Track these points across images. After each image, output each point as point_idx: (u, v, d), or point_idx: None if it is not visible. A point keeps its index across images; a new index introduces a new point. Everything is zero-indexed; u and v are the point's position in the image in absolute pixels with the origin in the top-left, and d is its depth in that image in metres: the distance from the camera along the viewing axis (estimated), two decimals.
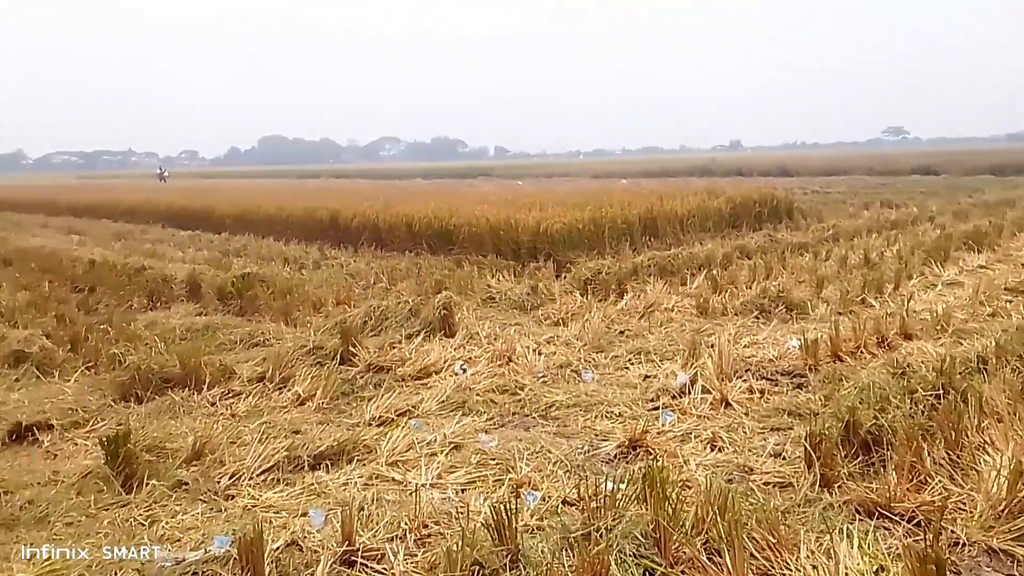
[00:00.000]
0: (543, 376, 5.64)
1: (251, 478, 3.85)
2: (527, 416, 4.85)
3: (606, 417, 4.74)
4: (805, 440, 3.69)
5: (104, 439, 3.89)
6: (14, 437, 4.60)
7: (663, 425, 4.51)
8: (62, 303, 8.37)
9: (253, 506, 3.54)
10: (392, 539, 3.13)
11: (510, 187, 26.51)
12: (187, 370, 5.40)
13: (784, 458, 3.94)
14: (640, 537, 2.92)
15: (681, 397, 4.98)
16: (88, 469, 3.95)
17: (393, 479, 3.80)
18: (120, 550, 3.07)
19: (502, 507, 2.94)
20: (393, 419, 4.76)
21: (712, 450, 4.13)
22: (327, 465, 4.01)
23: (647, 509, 3.05)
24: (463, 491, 3.67)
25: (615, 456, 4.10)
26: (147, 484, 3.70)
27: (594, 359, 6.04)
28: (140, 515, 3.47)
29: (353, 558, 2.96)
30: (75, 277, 10.26)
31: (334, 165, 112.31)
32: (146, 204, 20.72)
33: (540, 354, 6.15)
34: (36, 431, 4.66)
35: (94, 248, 12.99)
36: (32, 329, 6.52)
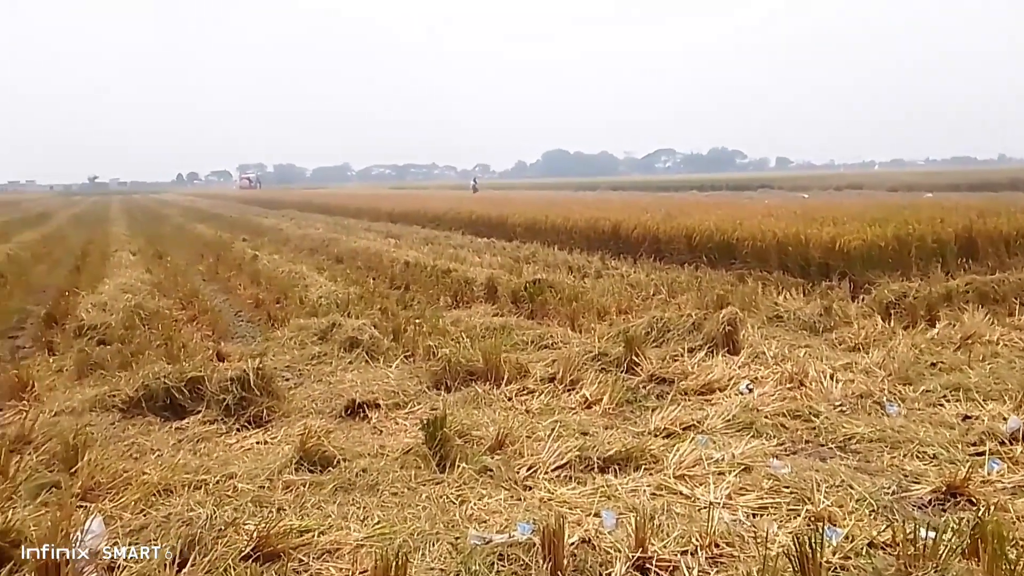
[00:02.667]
0: (840, 404, 5.26)
1: (546, 472, 4.10)
2: (823, 446, 4.57)
3: (917, 457, 4.29)
4: None
5: (425, 421, 4.41)
6: (349, 412, 5.37)
7: (989, 474, 3.98)
8: (384, 298, 9.61)
9: (549, 499, 3.77)
10: (684, 553, 3.15)
11: (794, 200, 25.02)
12: (488, 365, 5.89)
13: None
14: None
15: (1012, 444, 4.35)
16: (409, 447, 4.49)
17: (681, 493, 3.81)
18: (437, 524, 3.47)
19: (806, 539, 2.81)
20: (678, 432, 4.76)
21: None
22: (615, 469, 4.14)
23: (977, 566, 2.72)
24: (755, 516, 3.57)
25: (930, 502, 3.71)
26: (458, 466, 4.11)
27: (900, 392, 5.49)
28: (452, 494, 3.87)
29: (647, 565, 3.03)
30: (393, 276, 11.70)
31: (611, 177, 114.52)
32: (450, 213, 22.88)
33: (835, 380, 5.74)
34: (366, 408, 5.39)
35: (408, 251, 14.66)
36: (363, 319, 7.55)
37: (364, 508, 3.71)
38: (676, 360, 6.31)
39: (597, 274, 11.48)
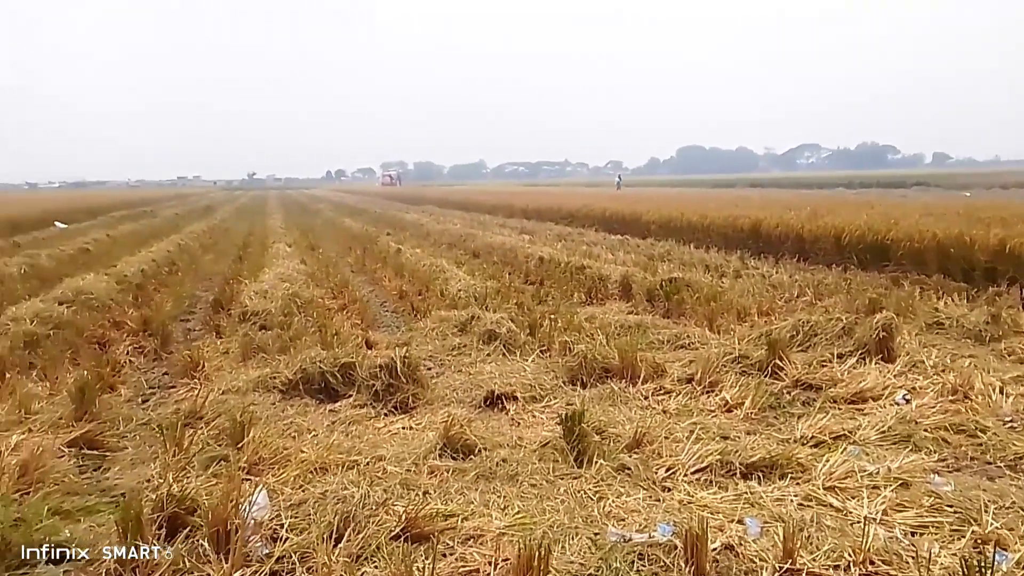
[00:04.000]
0: (1011, 420, 4.83)
1: (685, 475, 4.03)
2: (990, 464, 4.22)
3: None
4: None
5: (562, 416, 4.46)
6: (488, 403, 5.50)
7: None
8: (520, 292, 9.77)
9: (689, 502, 3.71)
10: (836, 567, 3.01)
11: (955, 199, 23.17)
12: (624, 363, 5.86)
13: None
14: None
15: None
16: (546, 440, 4.55)
17: (831, 505, 3.64)
18: (576, 518, 3.50)
19: (974, 562, 2.62)
20: (827, 441, 4.54)
21: None
22: (759, 476, 4.01)
23: None
24: (914, 534, 3.35)
25: None
26: (595, 462, 4.13)
27: None
28: (589, 489, 3.89)
29: None
30: (528, 271, 11.86)
31: (750, 174, 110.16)
32: (583, 210, 22.89)
33: (1005, 394, 5.28)
34: (504, 400, 5.51)
35: (542, 247, 14.81)
36: (500, 313, 7.71)
37: (504, 497, 3.80)
38: (824, 366, 6.01)
39: (736, 274, 11.12)
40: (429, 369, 6.30)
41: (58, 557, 3.25)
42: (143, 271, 12.27)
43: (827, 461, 4.08)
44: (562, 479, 4.04)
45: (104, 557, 3.20)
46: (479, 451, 4.40)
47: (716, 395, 5.44)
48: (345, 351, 6.11)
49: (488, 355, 6.73)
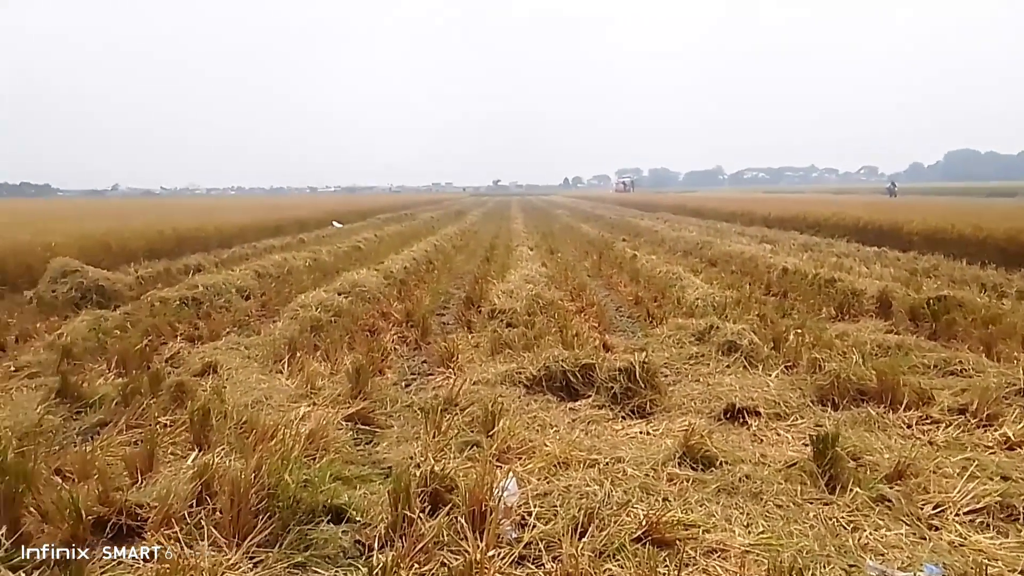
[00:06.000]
0: None
1: (957, 514, 3.65)
2: None
3: None
4: None
5: (813, 436, 4.24)
6: (728, 415, 5.37)
7: None
8: (761, 304, 9.38)
9: (961, 544, 3.36)
10: None
11: None
12: (883, 386, 5.41)
13: None
14: None
15: None
16: (793, 460, 4.34)
17: None
18: (828, 546, 3.32)
19: None
20: None
21: None
22: None
23: None
24: None
25: None
26: (850, 490, 3.87)
27: None
28: (843, 517, 3.66)
29: None
30: (769, 282, 11.33)
31: None
32: (832, 219, 21.34)
33: None
34: (745, 414, 5.34)
35: (785, 257, 14.05)
36: (741, 324, 7.46)
37: (747, 514, 3.70)
38: None
39: (1020, 295, 9.74)
40: (666, 376, 6.28)
41: (337, 518, 3.73)
42: (405, 268, 13.54)
43: None
44: (811, 503, 3.84)
45: (376, 522, 3.63)
46: (720, 464, 4.32)
47: (995, 430, 4.83)
48: (585, 352, 6.29)
49: (727, 367, 6.55)
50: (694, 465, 4.31)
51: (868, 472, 4.14)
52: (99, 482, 3.75)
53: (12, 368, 6.66)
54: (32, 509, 3.59)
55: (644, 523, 3.41)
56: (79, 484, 3.84)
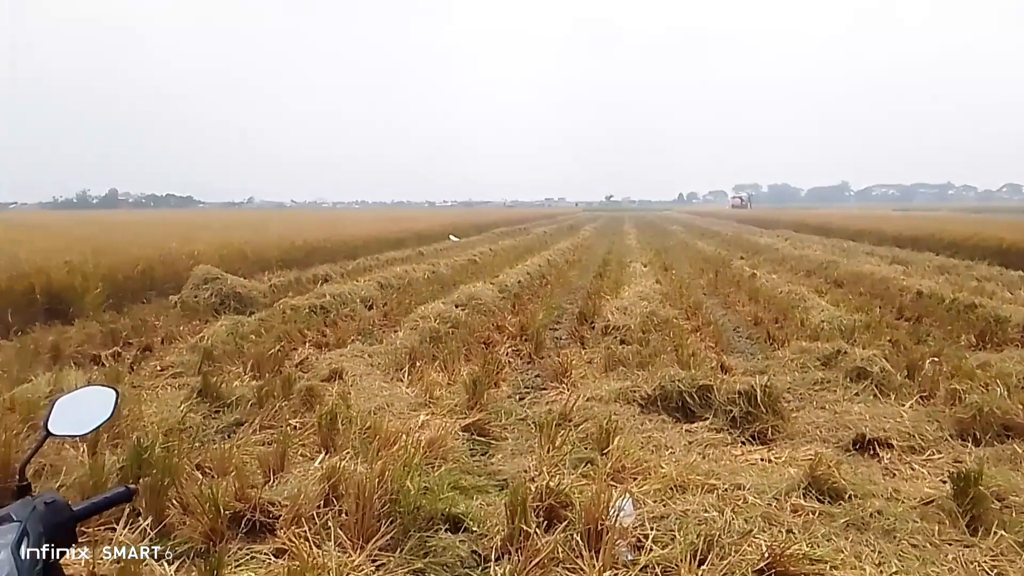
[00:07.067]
0: None
1: None
2: None
3: None
4: None
5: (953, 474, 3.97)
6: (857, 446, 5.10)
7: None
8: (893, 329, 8.86)
9: None
10: None
11: None
12: None
13: None
14: None
15: None
16: (929, 497, 4.08)
17: None
18: None
19: None
20: None
21: None
22: None
23: None
24: None
25: None
26: (994, 533, 3.59)
27: None
28: (985, 562, 3.41)
29: None
30: (902, 305, 10.68)
31: None
32: (972, 239, 19.90)
33: None
34: (876, 446, 5.06)
35: (919, 279, 13.21)
36: (871, 350, 7.07)
37: (879, 552, 3.51)
38: None
39: None
40: (789, 402, 6.04)
41: (454, 527, 3.81)
42: (519, 282, 13.71)
43: None
44: (950, 545, 3.59)
45: (493, 533, 3.69)
46: (849, 497, 4.11)
47: None
48: (702, 373, 6.16)
49: (856, 394, 6.22)
50: (820, 497, 4.12)
51: (1015, 514, 3.83)
52: (236, 479, 4.01)
53: (158, 367, 7.23)
54: (175, 501, 3.87)
55: (767, 555, 3.29)
56: (218, 480, 4.11)
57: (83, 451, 4.62)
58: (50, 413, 1.59)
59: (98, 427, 1.65)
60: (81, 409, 1.64)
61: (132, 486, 1.64)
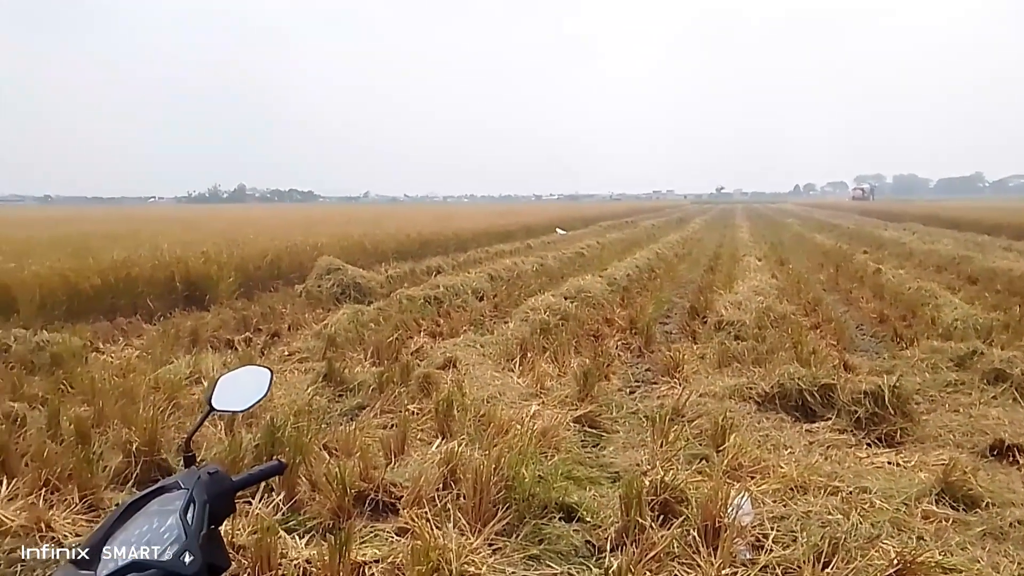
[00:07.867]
0: None
1: None
2: None
3: None
4: None
5: None
6: (995, 452, 4.79)
7: None
8: None
9: None
10: None
11: None
12: None
13: None
14: None
15: None
16: None
17: None
18: None
19: None
20: None
21: None
22: None
23: None
24: None
25: None
26: None
27: None
28: None
29: None
30: None
31: None
32: None
33: None
34: (1016, 452, 4.73)
35: None
36: (1012, 351, 6.60)
37: (1019, 564, 3.30)
38: None
39: None
40: (918, 404, 5.73)
41: (568, 516, 3.86)
42: (628, 275, 13.60)
43: None
44: None
45: (607, 525, 3.71)
46: (985, 505, 3.87)
47: None
48: (823, 371, 5.94)
49: (994, 397, 5.83)
50: (954, 504, 3.91)
51: None
52: (360, 460, 4.21)
53: (286, 352, 7.66)
54: (304, 479, 4.11)
55: (896, 561, 3.15)
56: (344, 460, 4.33)
57: (220, 428, 4.99)
58: (213, 390, 1.73)
59: (255, 404, 1.78)
60: (240, 387, 1.77)
61: (283, 460, 1.76)
